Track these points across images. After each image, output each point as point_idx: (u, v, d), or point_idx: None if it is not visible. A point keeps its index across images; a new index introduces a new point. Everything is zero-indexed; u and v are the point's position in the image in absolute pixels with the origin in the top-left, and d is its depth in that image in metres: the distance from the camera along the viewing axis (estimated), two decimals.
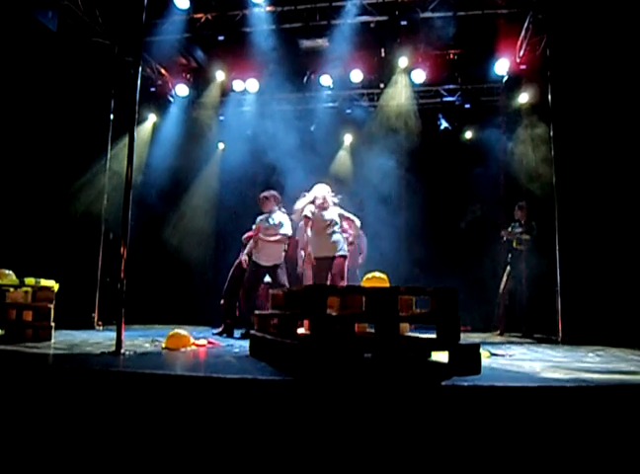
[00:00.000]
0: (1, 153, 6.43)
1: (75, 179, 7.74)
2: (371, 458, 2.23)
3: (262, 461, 2.28)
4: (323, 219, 6.23)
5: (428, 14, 7.91)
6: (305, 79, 9.96)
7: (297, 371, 2.56)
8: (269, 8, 8.07)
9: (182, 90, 10.11)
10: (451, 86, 9.98)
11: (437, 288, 2.86)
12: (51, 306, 4.81)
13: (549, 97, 6.59)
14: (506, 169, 9.46)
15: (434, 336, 2.87)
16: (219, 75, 9.84)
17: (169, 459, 2.35)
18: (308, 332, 2.89)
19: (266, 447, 2.29)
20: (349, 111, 10.61)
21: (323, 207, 6.25)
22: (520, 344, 5.78)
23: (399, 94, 9.71)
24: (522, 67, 8.75)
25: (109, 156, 8.00)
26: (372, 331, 2.86)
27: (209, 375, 2.50)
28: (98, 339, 5.23)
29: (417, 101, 10.13)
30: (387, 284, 3.66)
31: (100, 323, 7.55)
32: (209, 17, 8.36)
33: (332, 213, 6.28)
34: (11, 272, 4.88)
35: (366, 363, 2.76)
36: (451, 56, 9.39)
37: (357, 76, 9.49)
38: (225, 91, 10.24)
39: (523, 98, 8.96)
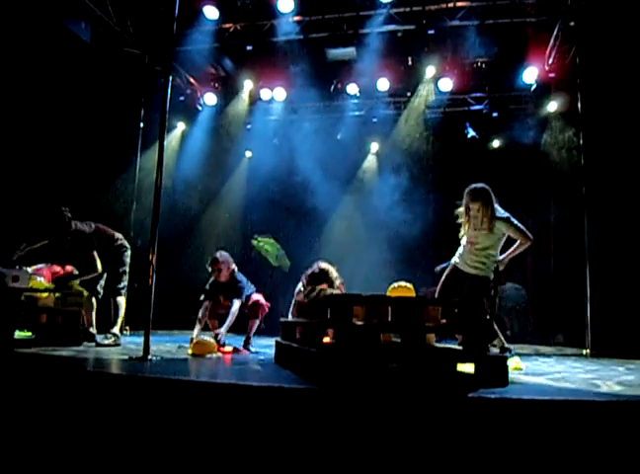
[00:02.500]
0: (34, 161, 6.59)
1: (105, 186, 7.89)
2: (396, 469, 2.21)
3: (286, 469, 2.28)
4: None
5: (455, 22, 7.88)
6: (332, 88, 10.00)
7: (322, 380, 2.56)
8: (296, 18, 8.14)
9: (210, 99, 10.25)
10: (479, 94, 9.90)
11: (463, 299, 2.83)
12: (81, 311, 4.90)
13: (579, 105, 6.51)
14: (534, 177, 9.34)
15: (459, 347, 2.85)
16: (247, 84, 9.97)
17: (194, 464, 2.37)
18: (333, 341, 2.89)
19: (290, 455, 2.29)
20: (375, 119, 10.61)
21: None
22: (548, 356, 5.69)
23: (426, 102, 9.68)
24: (552, 75, 8.67)
25: (138, 164, 8.14)
26: (398, 340, 2.84)
27: (236, 383, 2.52)
28: (125, 344, 5.30)
29: (444, 109, 10.09)
30: (413, 294, 3.64)
31: (127, 328, 7.66)
32: (238, 27, 8.46)
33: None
34: (42, 278, 4.99)
35: (392, 373, 2.74)
36: (479, 64, 9.33)
37: (383, 85, 9.49)
38: (253, 100, 10.35)
39: (553, 106, 8.86)
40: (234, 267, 5.48)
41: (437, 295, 4.74)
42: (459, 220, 4.73)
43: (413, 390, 2.46)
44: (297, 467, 2.27)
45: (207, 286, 5.48)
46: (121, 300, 5.47)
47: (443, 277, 4.84)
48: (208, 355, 4.33)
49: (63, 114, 6.98)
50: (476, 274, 4.59)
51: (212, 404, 2.46)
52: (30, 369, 2.96)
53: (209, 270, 5.45)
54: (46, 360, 3.37)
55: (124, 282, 5.59)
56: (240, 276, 5.49)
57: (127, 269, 5.67)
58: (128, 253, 5.69)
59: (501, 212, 4.54)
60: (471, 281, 4.60)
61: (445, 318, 3.03)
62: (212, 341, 4.56)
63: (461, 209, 4.70)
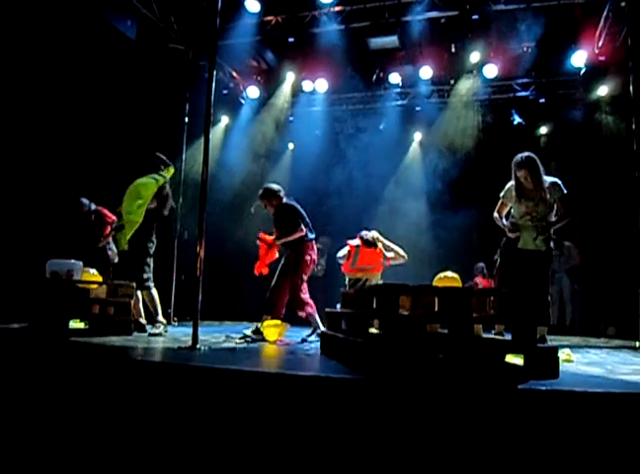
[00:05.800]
0: (82, 157, 6.80)
1: None
2: (444, 459, 2.21)
3: (333, 459, 2.30)
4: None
5: (500, 6, 7.66)
6: (374, 77, 9.92)
7: (369, 370, 2.57)
8: (337, 8, 8.09)
9: (253, 92, 10.33)
10: (525, 80, 9.64)
11: (511, 289, 2.79)
12: (131, 301, 5.03)
13: (631, 88, 6.27)
14: (584, 164, 9.06)
15: (509, 338, 2.81)
16: (289, 76, 10.00)
17: (242, 452, 2.41)
18: (379, 331, 2.89)
19: (337, 444, 2.31)
20: (418, 108, 10.48)
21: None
22: (599, 347, 5.54)
23: (470, 90, 9.50)
24: (602, 58, 8.35)
25: (184, 157, 8.29)
26: (445, 331, 2.82)
27: (283, 372, 2.55)
28: (174, 334, 5.42)
29: (489, 96, 9.89)
30: (459, 284, 3.60)
31: (175, 319, 7.84)
32: (279, 19, 8.47)
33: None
34: (94, 271, 5.15)
35: (439, 364, 2.72)
36: (525, 49, 9.07)
37: (426, 73, 9.35)
38: (295, 91, 10.37)
39: (603, 90, 8.58)
40: (282, 195, 5.39)
41: (496, 283, 4.72)
42: (504, 196, 4.84)
43: (461, 381, 2.44)
44: (344, 456, 2.29)
45: None
46: (151, 290, 5.45)
47: (500, 262, 4.78)
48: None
49: (110, 110, 7.17)
50: (539, 249, 4.51)
51: (259, 393, 2.50)
52: (84, 358, 3.06)
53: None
54: (100, 349, 3.48)
55: (148, 274, 5.47)
56: (291, 202, 5.43)
57: (151, 261, 5.56)
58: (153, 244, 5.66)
59: (549, 179, 4.66)
60: (534, 260, 4.55)
61: (494, 308, 2.99)
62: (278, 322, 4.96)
63: (509, 185, 4.78)
